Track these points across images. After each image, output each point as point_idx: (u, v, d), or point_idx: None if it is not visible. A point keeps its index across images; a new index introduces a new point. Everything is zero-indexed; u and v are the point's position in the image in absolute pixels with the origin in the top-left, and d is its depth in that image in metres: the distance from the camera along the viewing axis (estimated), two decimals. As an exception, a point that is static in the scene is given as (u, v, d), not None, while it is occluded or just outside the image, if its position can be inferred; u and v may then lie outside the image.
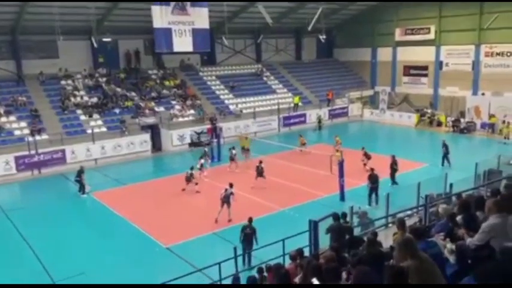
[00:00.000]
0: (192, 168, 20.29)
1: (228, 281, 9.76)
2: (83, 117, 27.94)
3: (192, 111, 31.32)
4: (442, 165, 22.30)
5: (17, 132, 25.33)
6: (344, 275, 5.33)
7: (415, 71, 38.36)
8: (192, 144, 28.89)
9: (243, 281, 9.15)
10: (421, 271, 3.59)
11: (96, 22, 27.43)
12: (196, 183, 19.81)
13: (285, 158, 24.74)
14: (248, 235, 12.89)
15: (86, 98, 29.45)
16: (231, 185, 16.64)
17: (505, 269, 2.93)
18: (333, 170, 20.92)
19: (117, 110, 29.16)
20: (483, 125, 31.20)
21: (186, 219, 17.23)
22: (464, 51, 34.62)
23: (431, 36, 36.13)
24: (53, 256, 14.16)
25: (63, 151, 24.50)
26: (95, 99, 29.41)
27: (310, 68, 41.96)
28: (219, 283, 10.14)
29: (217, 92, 35.01)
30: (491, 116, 30.87)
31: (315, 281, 5.11)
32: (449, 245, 5.19)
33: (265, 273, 8.63)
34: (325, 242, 10.15)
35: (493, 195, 6.75)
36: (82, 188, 20.34)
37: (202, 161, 22.17)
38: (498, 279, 2.91)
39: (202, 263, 11.24)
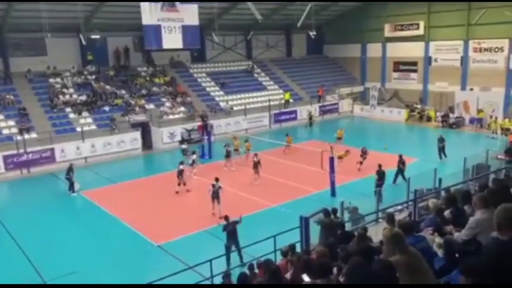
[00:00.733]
0: (182, 163, 20.19)
1: (219, 278, 9.77)
2: (72, 116, 27.69)
3: (182, 109, 31.20)
4: (440, 158, 22.65)
5: (5, 131, 25.03)
6: (335, 270, 5.35)
7: (405, 66, 38.57)
8: (183, 141, 28.80)
9: (233, 278, 9.15)
10: (409, 266, 3.62)
11: (84, 19, 27.17)
12: (185, 184, 19.67)
13: (276, 154, 24.80)
14: (231, 232, 12.74)
15: (75, 96, 29.19)
16: (216, 180, 16.84)
17: (489, 260, 2.99)
18: (323, 166, 21.00)
19: (106, 108, 28.95)
20: (472, 120, 31.53)
21: (178, 217, 17.21)
22: (452, 47, 34.87)
23: (421, 32, 36.33)
24: (43, 255, 14.05)
25: (52, 150, 24.27)
26: (84, 97, 29.16)
27: (301, 64, 42.00)
28: (210, 280, 10.15)
29: (208, 89, 34.91)
30: (479, 111, 31.19)
31: (305, 278, 5.13)
32: (438, 240, 5.26)
33: (256, 270, 8.65)
34: (316, 237, 10.22)
35: (481, 190, 6.83)
36: (71, 187, 20.20)
37: (194, 156, 22.10)
38: (483, 271, 2.95)
39: (193, 261, 11.24)
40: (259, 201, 18.00)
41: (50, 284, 12.33)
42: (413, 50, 37.17)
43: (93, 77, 31.01)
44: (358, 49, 41.68)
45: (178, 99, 31.92)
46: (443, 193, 9.83)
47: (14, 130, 25.01)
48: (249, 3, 30.61)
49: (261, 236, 11.46)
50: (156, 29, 27.99)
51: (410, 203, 11.25)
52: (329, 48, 44.66)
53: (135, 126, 28.23)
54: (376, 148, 23.96)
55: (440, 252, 5.12)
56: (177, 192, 19.52)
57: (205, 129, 27.28)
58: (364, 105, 38.61)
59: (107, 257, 14.00)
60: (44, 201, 19.56)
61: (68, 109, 28.04)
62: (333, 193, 18.20)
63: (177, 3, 28.27)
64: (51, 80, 29.56)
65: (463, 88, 34.22)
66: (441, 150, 22.91)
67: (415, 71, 37.87)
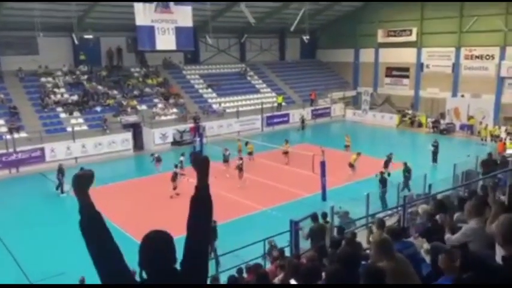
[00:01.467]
0: (176, 166, 20.12)
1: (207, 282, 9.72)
2: (63, 115, 27.49)
3: (175, 110, 31.12)
4: (434, 162, 23.00)
5: (-5, 130, 24.82)
6: (323, 275, 5.36)
7: (397, 72, 38.84)
8: (175, 143, 28.73)
9: (222, 282, 9.12)
10: (396, 272, 3.63)
11: (77, 19, 27.02)
12: (175, 187, 19.61)
13: (268, 157, 24.78)
14: (212, 228, 12.84)
15: (66, 96, 28.98)
16: None
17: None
18: (315, 170, 21.03)
19: (98, 108, 28.78)
20: (462, 126, 31.80)
21: (167, 218, 16.95)
22: (444, 54, 35.19)
23: (413, 38, 36.62)
24: (31, 256, 13.90)
25: (42, 149, 24.06)
26: (75, 97, 28.96)
27: (294, 68, 42.12)
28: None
29: (201, 91, 34.86)
30: (469, 117, 31.47)
31: (292, 281, 5.12)
32: (426, 245, 5.29)
33: (244, 274, 8.63)
34: (305, 242, 10.22)
35: (470, 197, 6.90)
36: (60, 187, 20.02)
37: (181, 158, 21.96)
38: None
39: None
40: (250, 204, 17.98)
41: (50, 284, 12.21)
42: (405, 56, 37.45)
43: (85, 77, 30.81)
44: (351, 54, 41.90)
45: (171, 101, 31.83)
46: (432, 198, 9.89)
47: (4, 129, 24.74)
48: (243, 7, 30.66)
49: (251, 239, 11.45)
50: (150, 30, 27.94)
51: (399, 208, 11.30)
52: (322, 52, 44.84)
53: (126, 127, 28.09)
54: (369, 153, 24.05)
55: (428, 258, 5.15)
56: (171, 197, 19.39)
57: (198, 131, 27.24)
58: (356, 110, 38.78)
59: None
60: (33, 201, 19.36)
61: (59, 109, 27.84)
62: (324, 197, 18.23)
63: (171, 5, 28.24)
64: (43, 79, 29.33)
65: (454, 95, 34.53)
66: (434, 154, 23.17)
67: (407, 76, 38.14)
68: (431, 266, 4.71)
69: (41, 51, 29.89)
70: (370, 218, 11.57)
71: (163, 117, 30.06)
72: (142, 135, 28.78)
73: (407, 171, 18.86)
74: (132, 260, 2.35)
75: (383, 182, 17.50)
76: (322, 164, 18.72)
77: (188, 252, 2.24)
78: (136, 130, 28.50)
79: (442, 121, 32.62)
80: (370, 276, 3.53)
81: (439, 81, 35.53)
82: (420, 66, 36.89)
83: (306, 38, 36.39)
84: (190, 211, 2.32)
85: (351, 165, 21.35)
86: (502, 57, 31.78)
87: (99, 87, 30.37)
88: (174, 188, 19.37)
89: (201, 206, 2.30)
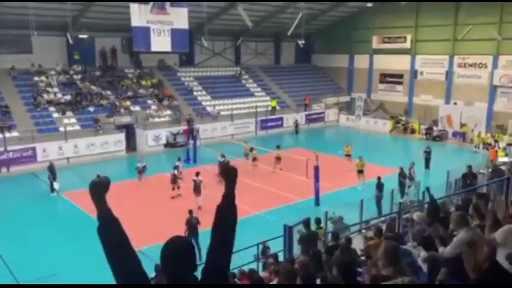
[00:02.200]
0: (175, 168, 20.00)
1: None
2: (55, 115, 27.25)
3: (168, 112, 30.98)
4: (427, 168, 23.12)
5: (-14, 129, 24.50)
6: (318, 281, 5.31)
7: (391, 78, 39.06)
8: (168, 145, 28.59)
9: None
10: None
11: (72, 18, 26.84)
12: (173, 189, 19.43)
13: (261, 161, 24.70)
14: (194, 226, 13.35)
15: (59, 95, 28.75)
16: (197, 174, 17.55)
17: None
18: (308, 175, 21.02)
19: (91, 108, 28.57)
20: (455, 134, 32.00)
21: (160, 220, 16.97)
22: (438, 61, 35.45)
23: (407, 45, 36.87)
24: (20, 257, 13.70)
25: (33, 149, 23.81)
26: (68, 97, 28.74)
27: (289, 72, 42.18)
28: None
29: (195, 93, 34.77)
30: (462, 125, 31.69)
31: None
32: (423, 254, 5.25)
33: (236, 279, 8.55)
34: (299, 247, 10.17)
35: (464, 205, 6.90)
36: (51, 185, 19.96)
37: (178, 163, 21.70)
38: None
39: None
40: (243, 207, 17.85)
41: (50, 284, 12.04)
42: (399, 63, 37.67)
43: (79, 76, 30.59)
44: (346, 60, 42.07)
45: (165, 102, 31.69)
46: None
47: (-5, 128, 24.47)
48: (240, 10, 30.67)
49: (244, 243, 11.36)
50: (145, 31, 27.76)
51: (393, 214, 11.28)
52: (317, 57, 44.97)
53: (119, 128, 27.90)
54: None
55: (425, 267, 5.12)
56: (172, 197, 19.17)
57: (191, 133, 27.12)
58: (349, 115, 38.90)
59: (87, 260, 13.68)
60: (23, 201, 19.12)
61: (52, 108, 27.59)
62: (317, 202, 18.21)
63: (167, 6, 28.14)
64: (36, 78, 29.06)
65: (447, 102, 34.78)
66: (426, 160, 23.27)
67: (400, 83, 38.37)
68: (428, 275, 4.68)
69: (35, 50, 29.63)
70: (364, 224, 11.54)
71: (156, 119, 29.92)
72: (136, 137, 28.60)
73: (402, 176, 18.83)
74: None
75: (379, 187, 17.51)
76: (316, 169, 18.70)
77: (211, 261, 2.27)
78: (129, 131, 28.32)
79: (435, 128, 32.81)
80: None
81: (433, 89, 35.77)
82: (414, 73, 37.13)
83: (301, 42, 36.48)
84: (215, 220, 2.36)
85: (361, 171, 21.04)
86: (495, 65, 32.09)
87: (93, 87, 30.17)
88: (173, 189, 19.31)
89: (227, 215, 2.35)
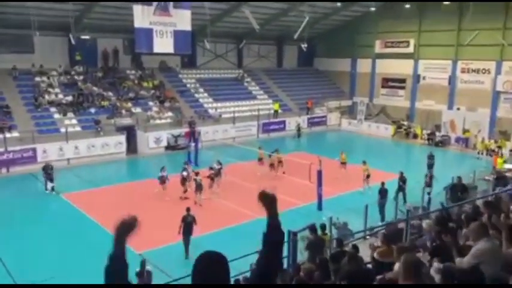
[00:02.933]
0: (185, 169, 19.78)
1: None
2: (56, 116, 27.09)
3: (170, 114, 30.82)
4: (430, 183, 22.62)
5: (-14, 129, 24.33)
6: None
7: (393, 83, 38.91)
8: (169, 147, 28.42)
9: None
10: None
11: (74, 19, 26.71)
12: (186, 190, 19.21)
13: (264, 164, 24.50)
14: (189, 224, 13.75)
15: (60, 96, 28.60)
16: (197, 174, 18.13)
17: None
18: (311, 179, 20.82)
19: (92, 110, 28.42)
20: (457, 139, 31.83)
21: (160, 224, 16.72)
22: (441, 66, 35.31)
23: (410, 49, 36.74)
24: (19, 259, 13.51)
25: (34, 150, 23.63)
26: (70, 98, 28.58)
27: (291, 75, 42.06)
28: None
29: (197, 95, 34.63)
30: (465, 130, 31.52)
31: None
32: (437, 264, 5.06)
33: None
34: (303, 253, 9.98)
35: (474, 214, 6.71)
36: (45, 184, 20.14)
37: (186, 166, 21.01)
38: None
39: (174, 271, 10.89)
40: (244, 211, 17.67)
41: (49, 284, 11.86)
42: (402, 67, 37.53)
43: (81, 77, 30.45)
44: (349, 64, 41.95)
45: (166, 104, 31.53)
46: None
47: (-5, 128, 24.30)
48: (247, 12, 30.59)
49: (246, 249, 11.16)
50: (148, 33, 27.64)
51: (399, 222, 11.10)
52: (320, 61, 44.86)
53: (120, 129, 27.73)
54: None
55: (437, 278, 4.93)
56: (180, 198, 18.99)
57: (193, 135, 26.94)
58: (351, 120, 38.74)
59: (85, 263, 13.47)
60: (22, 202, 18.92)
61: (53, 109, 27.44)
62: (320, 207, 18.01)
63: (170, 8, 28.03)
64: (37, 79, 28.91)
65: (450, 107, 34.61)
66: (430, 167, 22.97)
67: (403, 88, 38.22)
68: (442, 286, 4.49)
69: (37, 50, 29.52)
70: (368, 231, 11.35)
71: (158, 121, 29.75)
72: (136, 139, 28.42)
73: (402, 181, 18.69)
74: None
75: (383, 192, 17.30)
76: (319, 174, 18.51)
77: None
78: (130, 133, 28.14)
79: (437, 133, 32.64)
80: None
81: (435, 94, 35.62)
82: (417, 77, 36.98)
83: (304, 46, 36.37)
84: (263, 247, 2.40)
85: (368, 176, 20.83)
86: (498, 71, 31.94)
87: (94, 88, 30.01)
88: (185, 191, 19.14)
89: (273, 244, 2.39)
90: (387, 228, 11.54)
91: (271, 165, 23.07)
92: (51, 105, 27.61)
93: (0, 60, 28.06)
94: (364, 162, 21.30)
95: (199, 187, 18.37)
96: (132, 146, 28.13)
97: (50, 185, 20.11)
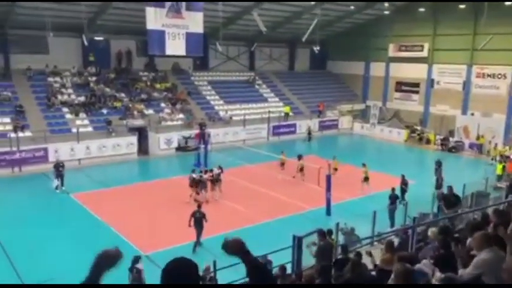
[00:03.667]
0: (193, 171, 19.77)
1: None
2: (68, 116, 27.37)
3: (181, 115, 30.92)
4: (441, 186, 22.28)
5: None
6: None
7: (407, 87, 38.47)
8: (180, 149, 28.50)
9: None
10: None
11: (88, 20, 26.98)
12: (198, 193, 19.13)
13: (273, 167, 24.43)
14: (199, 219, 14.52)
15: (73, 96, 28.90)
16: (205, 172, 18.36)
17: None
18: (320, 183, 20.66)
19: (104, 110, 28.65)
20: (471, 145, 31.29)
21: (168, 226, 16.79)
22: (456, 71, 34.80)
23: (425, 53, 36.30)
24: (27, 259, 13.60)
25: (45, 149, 23.88)
26: (82, 98, 28.87)
27: (303, 78, 41.89)
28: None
29: (208, 98, 34.69)
30: (479, 136, 30.97)
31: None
32: (439, 274, 4.92)
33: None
34: (309, 259, 9.84)
35: (483, 222, 6.52)
36: (61, 183, 20.54)
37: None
38: None
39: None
40: (252, 215, 17.62)
41: (49, 284, 11.92)
42: (416, 72, 37.09)
43: (94, 78, 30.74)
44: (362, 67, 41.63)
45: (178, 106, 31.64)
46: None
47: (9, 127, 24.63)
48: (255, 15, 30.56)
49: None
50: (160, 35, 27.78)
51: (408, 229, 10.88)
52: (332, 64, 44.61)
53: (132, 130, 27.89)
54: (375, 168, 23.62)
55: (439, 289, 4.78)
56: (190, 196, 18.94)
57: (203, 137, 26.97)
58: (364, 123, 38.40)
59: (90, 263, 13.54)
60: (33, 201, 19.16)
61: (65, 109, 27.73)
62: (328, 212, 17.82)
63: (183, 10, 28.14)
64: (50, 79, 29.28)
65: (464, 112, 34.07)
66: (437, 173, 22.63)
67: (417, 92, 37.76)
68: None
69: (51, 51, 29.91)
70: (375, 237, 11.16)
71: (169, 123, 29.86)
72: (148, 140, 28.55)
73: (404, 183, 18.88)
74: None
75: (393, 198, 17.07)
76: (328, 178, 18.33)
77: None
78: (141, 134, 28.29)
79: (450, 139, 32.14)
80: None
81: (449, 98, 35.10)
82: (431, 82, 36.50)
83: (316, 48, 36.20)
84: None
85: (367, 179, 20.85)
86: (515, 76, 31.33)
87: (107, 89, 30.27)
88: (197, 193, 19.04)
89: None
90: (403, 237, 11.30)
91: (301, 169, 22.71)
92: (64, 105, 27.91)
93: (16, 60, 28.54)
94: (364, 165, 21.25)
95: (203, 185, 18.85)
96: (143, 147, 28.28)
97: (58, 182, 20.44)
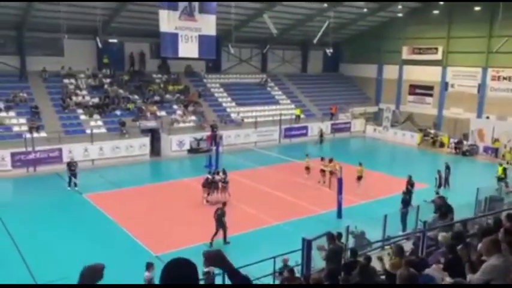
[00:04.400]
0: (210, 172, 19.88)
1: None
2: (83, 117, 27.72)
3: (193, 117, 31.09)
4: (444, 187, 22.03)
5: (16, 128, 25.10)
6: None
7: (421, 90, 38.14)
8: (192, 150, 28.65)
9: None
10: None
11: (102, 23, 27.31)
12: (208, 193, 19.25)
13: (284, 170, 24.39)
14: (219, 217, 14.90)
15: (87, 98, 29.27)
16: (217, 173, 18.67)
17: None
18: (331, 186, 20.58)
19: (118, 112, 28.95)
20: (486, 149, 30.85)
21: (179, 227, 16.89)
22: (470, 74, 34.39)
23: (439, 56, 35.94)
24: (39, 257, 13.82)
25: (60, 150, 24.21)
26: (96, 100, 29.22)
27: (315, 81, 41.80)
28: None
29: (220, 100, 34.82)
30: (495, 140, 30.51)
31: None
32: (448, 279, 4.88)
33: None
34: (319, 261, 9.82)
35: (495, 228, 6.43)
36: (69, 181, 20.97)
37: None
38: None
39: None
40: (263, 217, 17.62)
41: (49, 284, 12.08)
42: (430, 74, 36.74)
43: (108, 80, 31.11)
44: (375, 70, 41.39)
45: (190, 108, 31.82)
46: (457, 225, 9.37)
47: (24, 128, 25.04)
48: (265, 17, 30.61)
49: (261, 255, 11.09)
50: (173, 37, 27.96)
51: (418, 234, 10.77)
52: (345, 66, 44.43)
53: (145, 132, 28.13)
54: (388, 171, 23.50)
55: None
56: (207, 201, 19.05)
57: (214, 139, 27.07)
58: (377, 126, 38.12)
59: (99, 259, 13.66)
60: (46, 201, 19.42)
61: (80, 110, 28.09)
62: (339, 215, 17.74)
63: (196, 13, 28.29)
64: (66, 81, 29.72)
65: (479, 116, 33.63)
66: (446, 178, 22.34)
67: (430, 95, 37.41)
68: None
69: (66, 53, 30.38)
70: (386, 241, 11.07)
71: (181, 124, 30.04)
72: (160, 141, 28.76)
73: (411, 184, 18.77)
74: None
75: (405, 202, 16.90)
76: (339, 181, 18.25)
77: None
78: (154, 136, 28.51)
79: (465, 142, 31.73)
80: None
81: (464, 102, 34.69)
82: (445, 85, 36.12)
83: (329, 51, 36.10)
84: None
85: (360, 178, 21.00)
86: (531, 79, 30.85)
87: (121, 91, 30.59)
88: (208, 194, 19.20)
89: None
90: (415, 242, 11.17)
91: (331, 173, 21.69)
92: (78, 106, 28.28)
93: (32, 62, 29.01)
94: (360, 164, 21.28)
95: (215, 186, 19.16)
96: (155, 148, 28.50)
97: (73, 181, 20.82)
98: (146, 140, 27.58)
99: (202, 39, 28.98)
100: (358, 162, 21.86)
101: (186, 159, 28.07)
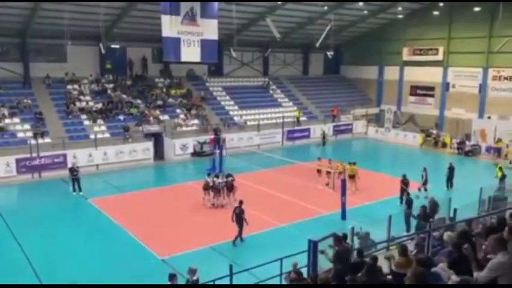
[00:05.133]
0: (209, 175, 20.00)
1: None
2: (86, 122, 27.91)
3: (196, 121, 31.25)
4: (447, 187, 22.12)
5: (20, 135, 25.30)
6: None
7: (422, 91, 38.26)
8: (195, 154, 28.79)
9: None
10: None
11: (105, 28, 27.55)
12: (214, 197, 19.34)
13: (287, 172, 24.49)
14: (238, 215, 15.31)
15: (91, 103, 29.46)
16: (227, 176, 18.51)
17: None
18: (335, 188, 20.68)
19: (121, 117, 29.14)
20: (488, 149, 30.92)
21: (184, 231, 17.00)
22: (471, 74, 34.50)
23: (439, 57, 36.08)
24: (45, 262, 13.94)
25: (64, 155, 24.37)
26: (99, 105, 29.41)
27: (317, 83, 41.97)
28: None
29: (223, 103, 34.99)
30: (497, 140, 30.59)
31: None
32: (455, 277, 4.98)
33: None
34: (325, 263, 9.90)
35: (499, 226, 6.54)
36: (78, 186, 21.08)
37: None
38: None
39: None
40: (267, 219, 17.72)
41: (50, 284, 12.20)
42: (431, 75, 36.87)
43: (111, 85, 31.31)
44: (376, 71, 41.54)
45: (193, 112, 31.99)
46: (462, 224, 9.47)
47: (29, 134, 25.24)
48: (268, 21, 30.77)
49: (267, 257, 11.17)
50: (175, 42, 28.12)
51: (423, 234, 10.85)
52: (346, 68, 44.60)
53: (148, 136, 28.29)
54: (389, 172, 23.57)
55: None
56: (213, 205, 19.19)
57: (217, 142, 27.20)
58: (378, 128, 38.24)
59: (108, 268, 13.79)
60: (52, 206, 19.56)
61: (83, 116, 28.28)
62: (344, 216, 17.84)
63: (198, 17, 28.47)
64: (69, 87, 29.92)
65: (481, 116, 33.72)
66: (449, 178, 22.42)
67: (432, 96, 37.53)
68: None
69: (69, 59, 30.60)
70: (390, 242, 11.17)
71: (184, 128, 30.20)
72: (163, 145, 28.92)
73: (405, 183, 19.12)
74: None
75: (409, 203, 17.01)
76: (343, 182, 18.36)
77: None
78: (157, 140, 28.67)
79: (467, 142, 31.80)
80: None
81: (465, 102, 34.80)
82: (446, 85, 36.24)
83: (330, 53, 36.26)
84: None
85: (352, 177, 21.03)
86: (532, 79, 30.95)
87: (124, 96, 30.78)
88: (214, 197, 19.27)
89: None
90: (418, 241, 11.24)
91: (351, 176, 21.29)
92: (82, 112, 28.47)
93: (35, 68, 29.24)
94: (354, 163, 21.63)
95: (215, 190, 19.05)
96: (159, 152, 28.64)
97: (77, 185, 21.01)
98: (150, 144, 27.74)
99: (204, 44, 29.15)
100: (353, 162, 21.95)
101: (190, 162, 28.20)
